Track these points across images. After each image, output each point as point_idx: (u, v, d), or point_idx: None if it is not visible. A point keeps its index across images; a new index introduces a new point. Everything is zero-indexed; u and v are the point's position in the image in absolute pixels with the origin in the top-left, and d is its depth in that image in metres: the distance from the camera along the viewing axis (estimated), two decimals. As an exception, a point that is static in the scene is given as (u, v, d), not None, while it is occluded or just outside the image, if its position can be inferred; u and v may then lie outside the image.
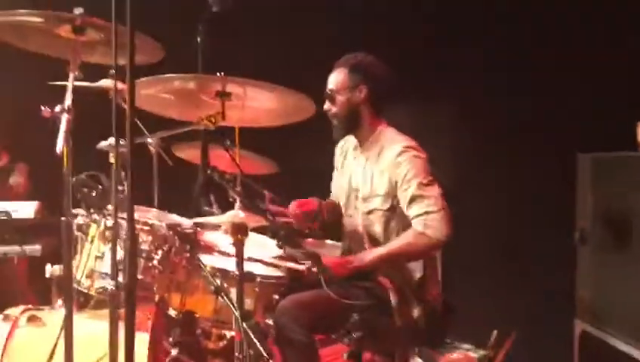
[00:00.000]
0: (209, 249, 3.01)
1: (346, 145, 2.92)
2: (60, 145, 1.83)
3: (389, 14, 4.03)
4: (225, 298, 2.26)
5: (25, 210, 3.54)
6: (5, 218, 3.52)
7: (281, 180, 3.54)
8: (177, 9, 3.54)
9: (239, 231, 2.32)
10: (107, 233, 2.46)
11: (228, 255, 2.63)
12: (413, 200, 2.54)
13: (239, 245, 2.33)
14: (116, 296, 1.98)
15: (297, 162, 3.77)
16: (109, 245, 2.41)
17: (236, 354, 2.22)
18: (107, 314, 2.69)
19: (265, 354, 2.16)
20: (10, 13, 1.97)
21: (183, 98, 2.00)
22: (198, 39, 2.36)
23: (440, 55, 3.97)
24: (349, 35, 3.81)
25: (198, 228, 3.05)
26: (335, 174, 2.96)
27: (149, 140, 3.39)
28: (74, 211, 2.87)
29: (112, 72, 3.11)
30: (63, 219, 1.98)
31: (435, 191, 2.57)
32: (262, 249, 3.16)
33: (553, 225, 3.59)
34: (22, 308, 2.74)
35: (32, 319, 2.65)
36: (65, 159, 1.93)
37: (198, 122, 1.96)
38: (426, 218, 2.50)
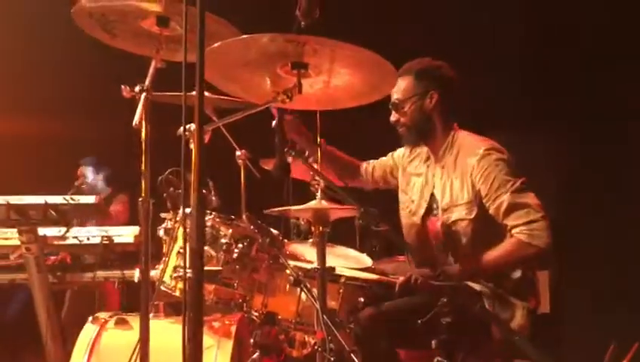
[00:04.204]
0: (294, 257, 2.93)
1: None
2: (137, 118, 1.82)
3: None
4: (305, 290, 2.13)
5: (126, 234, 3.58)
6: (107, 242, 3.56)
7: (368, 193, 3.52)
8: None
9: (320, 222, 2.20)
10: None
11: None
12: (510, 209, 2.33)
13: (320, 237, 2.21)
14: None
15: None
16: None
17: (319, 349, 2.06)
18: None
19: (347, 348, 1.98)
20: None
21: (255, 73, 1.94)
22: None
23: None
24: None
25: (285, 240, 2.99)
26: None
27: (238, 153, 3.49)
28: (162, 215, 2.92)
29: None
30: (140, 199, 1.96)
31: (531, 195, 2.35)
32: (351, 262, 3.04)
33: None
34: (112, 312, 2.80)
35: (119, 322, 2.70)
36: (143, 139, 1.93)
37: (274, 98, 1.89)
38: (531, 226, 2.29)
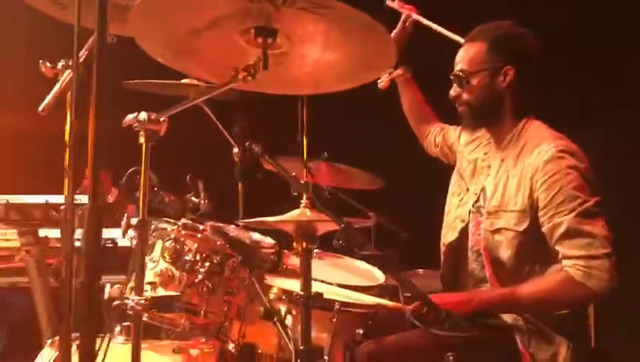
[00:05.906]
0: (293, 273, 2.50)
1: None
2: (46, 101, 1.39)
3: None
4: (279, 324, 1.67)
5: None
6: (112, 245, 3.34)
7: (387, 196, 3.18)
8: None
9: (305, 237, 1.73)
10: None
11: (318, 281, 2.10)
12: (568, 234, 1.83)
13: (305, 255, 1.74)
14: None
15: (406, 175, 3.25)
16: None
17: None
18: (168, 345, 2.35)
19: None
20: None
21: (211, 48, 1.49)
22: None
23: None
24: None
25: (285, 251, 2.56)
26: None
27: (235, 150, 3.07)
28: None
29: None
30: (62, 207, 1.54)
31: (600, 223, 1.84)
32: (359, 278, 2.61)
33: None
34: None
35: (81, 347, 2.34)
36: (68, 131, 1.51)
37: (234, 77, 1.43)
38: (589, 264, 1.80)
